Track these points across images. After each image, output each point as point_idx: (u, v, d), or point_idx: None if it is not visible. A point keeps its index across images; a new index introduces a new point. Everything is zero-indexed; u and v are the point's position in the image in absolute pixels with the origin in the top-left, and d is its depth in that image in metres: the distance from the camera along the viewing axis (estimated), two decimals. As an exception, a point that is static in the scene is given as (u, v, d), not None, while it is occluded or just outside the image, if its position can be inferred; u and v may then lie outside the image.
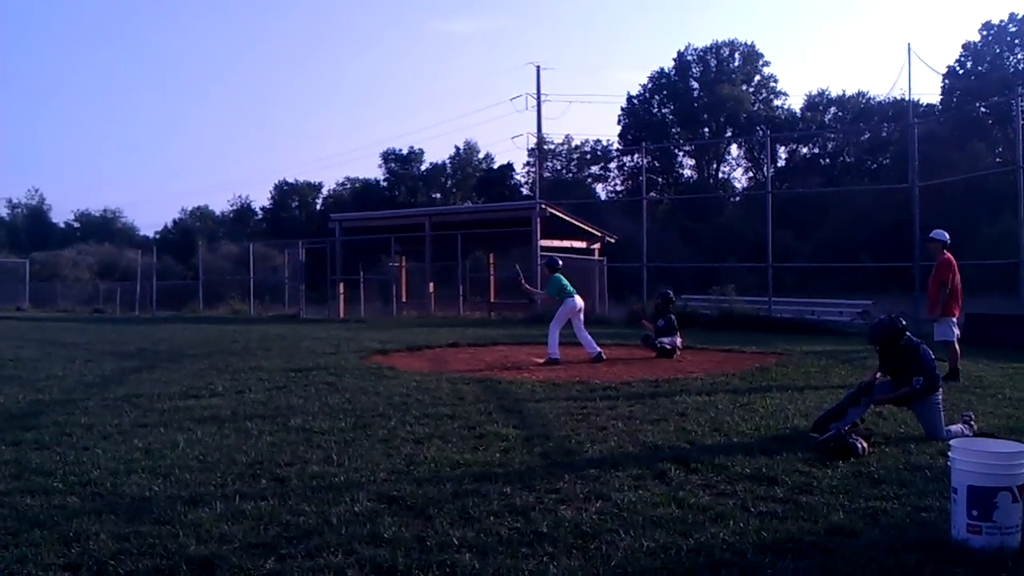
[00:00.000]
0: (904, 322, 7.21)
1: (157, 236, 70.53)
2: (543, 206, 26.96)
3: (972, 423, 7.06)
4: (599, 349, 12.99)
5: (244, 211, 75.98)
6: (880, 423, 7.35)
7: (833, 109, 58.84)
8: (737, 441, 6.79)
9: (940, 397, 7.05)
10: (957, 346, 10.68)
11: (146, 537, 4.44)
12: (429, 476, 5.72)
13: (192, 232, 65.49)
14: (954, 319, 10.89)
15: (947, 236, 11.14)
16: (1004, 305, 18.35)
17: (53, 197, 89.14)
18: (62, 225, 77.84)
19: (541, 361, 12.79)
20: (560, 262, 13.71)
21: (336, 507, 4.96)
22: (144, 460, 6.25)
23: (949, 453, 4.50)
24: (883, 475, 5.63)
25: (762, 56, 62.95)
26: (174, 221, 75.70)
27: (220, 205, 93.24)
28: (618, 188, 63.30)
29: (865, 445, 6.24)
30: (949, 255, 11.02)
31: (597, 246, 31.72)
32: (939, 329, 10.84)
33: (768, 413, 8.05)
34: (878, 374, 7.17)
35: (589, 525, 4.60)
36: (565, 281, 13.37)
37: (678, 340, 13.82)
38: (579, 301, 13.31)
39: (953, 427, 6.92)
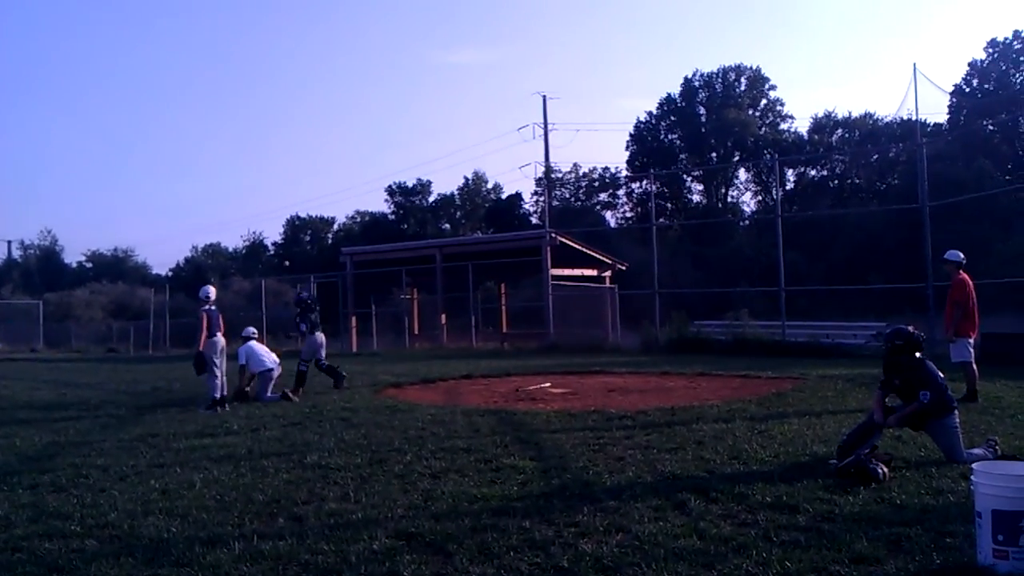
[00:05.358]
0: (923, 338, 7.15)
1: (169, 274, 70.90)
2: (553, 235, 27.00)
3: (996, 447, 6.96)
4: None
5: (256, 247, 76.28)
6: (900, 447, 7.28)
7: (840, 131, 58.89)
8: (756, 469, 6.73)
9: (957, 420, 6.97)
10: (974, 367, 10.60)
11: (165, 580, 4.43)
12: (447, 511, 5.69)
13: (204, 269, 65.74)
14: (970, 340, 10.81)
15: (961, 256, 11.09)
16: (1019, 323, 18.22)
17: (65, 238, 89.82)
18: (74, 265, 78.35)
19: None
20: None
21: (354, 545, 4.93)
22: (161, 501, 6.25)
23: (972, 477, 4.45)
24: (905, 500, 5.57)
25: (768, 80, 63.21)
26: (186, 259, 76.14)
27: (232, 241, 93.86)
28: (627, 215, 63.35)
29: (886, 470, 6.17)
30: (965, 275, 10.96)
31: (608, 274, 31.71)
32: (955, 350, 10.77)
33: (787, 440, 7.98)
34: (886, 399, 7.10)
35: (610, 559, 4.55)
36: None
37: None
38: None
39: (975, 450, 6.83)
